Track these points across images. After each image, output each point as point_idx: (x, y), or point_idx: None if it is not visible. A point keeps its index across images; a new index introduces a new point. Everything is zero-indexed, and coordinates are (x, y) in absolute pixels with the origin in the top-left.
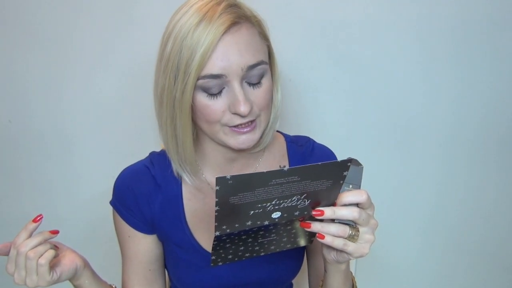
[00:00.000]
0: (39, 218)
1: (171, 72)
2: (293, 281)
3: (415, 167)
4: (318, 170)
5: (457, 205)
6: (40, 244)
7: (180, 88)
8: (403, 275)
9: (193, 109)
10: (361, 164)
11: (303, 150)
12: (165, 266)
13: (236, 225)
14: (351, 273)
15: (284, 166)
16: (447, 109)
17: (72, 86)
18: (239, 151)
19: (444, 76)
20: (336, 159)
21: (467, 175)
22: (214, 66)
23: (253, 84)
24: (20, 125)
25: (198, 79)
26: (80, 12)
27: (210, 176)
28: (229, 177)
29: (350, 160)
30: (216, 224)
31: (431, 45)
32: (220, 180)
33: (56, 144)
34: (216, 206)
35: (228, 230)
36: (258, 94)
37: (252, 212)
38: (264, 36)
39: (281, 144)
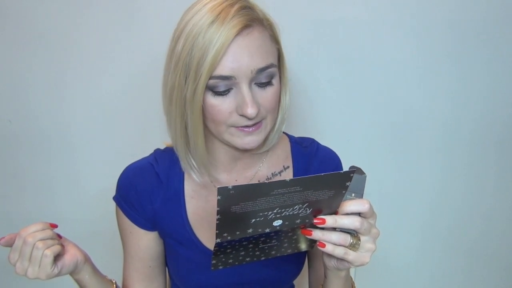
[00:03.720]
0: (54, 225)
1: (182, 71)
2: (294, 282)
3: (414, 167)
4: (320, 180)
5: (455, 205)
6: (49, 238)
7: (191, 89)
8: (402, 276)
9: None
10: (364, 173)
11: (307, 151)
12: (166, 264)
13: (237, 233)
14: (351, 278)
15: (288, 167)
16: (447, 109)
17: (73, 86)
18: (244, 150)
19: (443, 76)
20: (340, 162)
21: (465, 175)
22: (225, 67)
23: (262, 85)
24: (20, 125)
25: (208, 79)
26: (82, 11)
27: (214, 174)
28: (231, 187)
29: (353, 171)
30: (217, 231)
31: (431, 44)
32: (221, 190)
33: (56, 144)
34: (217, 214)
35: (229, 238)
36: (266, 96)
37: (254, 220)
38: (274, 39)
39: (286, 145)
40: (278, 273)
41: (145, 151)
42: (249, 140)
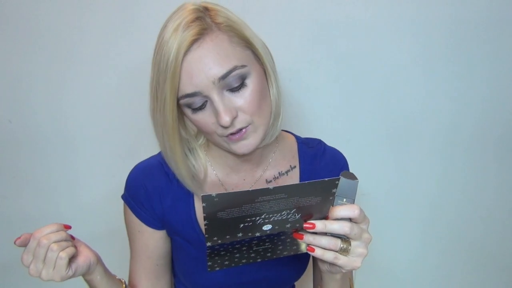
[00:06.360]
0: (67, 226)
1: (152, 93)
2: (296, 282)
3: (414, 167)
4: (305, 188)
5: (455, 206)
6: (63, 240)
7: (160, 112)
8: (402, 276)
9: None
10: (356, 178)
11: (314, 151)
12: (172, 261)
13: (227, 237)
14: (350, 279)
15: (295, 167)
16: (446, 109)
17: (73, 86)
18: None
19: (443, 75)
20: (346, 162)
21: (465, 175)
22: (186, 85)
23: (235, 90)
24: (20, 125)
25: (178, 100)
26: (81, 12)
27: (222, 176)
28: (214, 195)
29: (338, 179)
30: (207, 236)
31: (430, 44)
32: (206, 198)
33: (56, 144)
34: (204, 220)
35: (219, 241)
36: (242, 99)
37: (242, 225)
38: (239, 39)
39: (292, 145)
40: (284, 272)
41: (145, 152)
42: (241, 145)
